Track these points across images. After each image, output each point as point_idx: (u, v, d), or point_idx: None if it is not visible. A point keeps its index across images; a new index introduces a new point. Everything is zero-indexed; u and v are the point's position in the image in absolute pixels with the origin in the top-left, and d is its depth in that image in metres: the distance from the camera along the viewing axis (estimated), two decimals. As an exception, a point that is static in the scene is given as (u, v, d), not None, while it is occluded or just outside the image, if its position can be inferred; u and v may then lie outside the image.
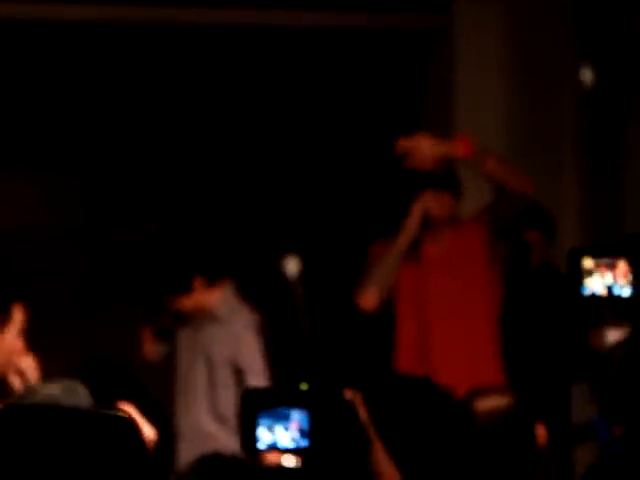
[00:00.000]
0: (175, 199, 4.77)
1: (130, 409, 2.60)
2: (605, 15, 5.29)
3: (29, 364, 2.72)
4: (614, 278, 3.25)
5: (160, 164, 5.12)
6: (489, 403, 2.52)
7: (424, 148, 3.56)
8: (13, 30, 4.84)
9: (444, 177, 3.63)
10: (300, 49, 5.33)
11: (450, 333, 3.65)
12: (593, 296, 3.28)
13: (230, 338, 3.51)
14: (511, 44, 5.30)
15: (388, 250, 3.60)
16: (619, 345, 3.35)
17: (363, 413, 2.25)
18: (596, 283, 3.27)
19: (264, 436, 2.20)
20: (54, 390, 2.36)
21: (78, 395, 2.37)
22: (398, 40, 5.39)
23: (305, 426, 2.20)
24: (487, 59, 5.28)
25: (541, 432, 2.65)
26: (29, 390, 2.51)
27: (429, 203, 3.58)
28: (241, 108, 5.12)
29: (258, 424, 2.21)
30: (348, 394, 2.29)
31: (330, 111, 5.32)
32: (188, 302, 3.53)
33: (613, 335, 3.55)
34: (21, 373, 2.70)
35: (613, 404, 2.57)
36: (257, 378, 3.43)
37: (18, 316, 2.69)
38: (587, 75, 5.14)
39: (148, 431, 2.63)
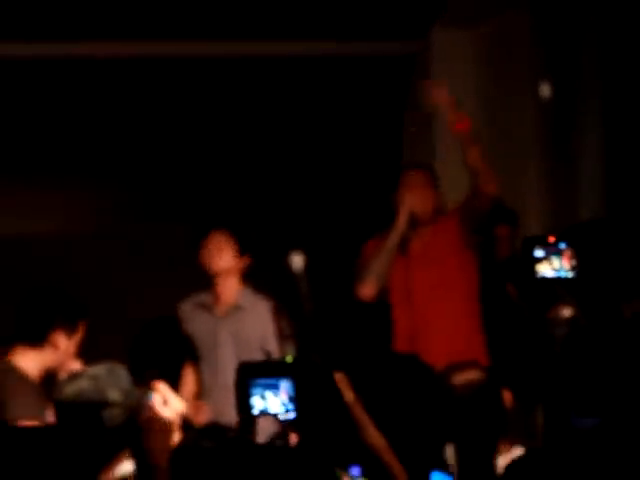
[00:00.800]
0: (199, 203, 4.92)
1: (163, 386, 2.79)
2: (559, 37, 5.31)
3: (77, 366, 3.10)
4: (561, 263, 3.50)
5: (183, 173, 5.30)
6: (463, 377, 2.69)
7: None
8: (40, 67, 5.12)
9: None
10: (288, 77, 5.55)
11: (433, 316, 3.91)
12: (544, 279, 3.55)
13: (257, 323, 3.70)
14: (481, 64, 5.65)
15: (381, 247, 3.83)
16: (563, 323, 3.57)
17: (348, 392, 2.37)
18: (546, 267, 3.53)
19: (257, 403, 2.35)
20: (99, 371, 2.48)
21: (118, 375, 2.49)
22: (381, 65, 5.66)
23: (292, 393, 2.35)
24: (460, 78, 5.44)
25: (507, 397, 2.83)
26: (75, 374, 2.57)
27: (413, 202, 3.83)
28: (246, 125, 5.39)
29: (251, 393, 2.35)
30: (336, 376, 2.40)
31: (322, 134, 5.50)
32: (224, 264, 3.65)
33: (566, 314, 3.79)
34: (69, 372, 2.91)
35: (558, 378, 2.67)
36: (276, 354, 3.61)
37: (82, 330, 3.22)
38: (545, 89, 5.24)
39: (177, 404, 2.88)
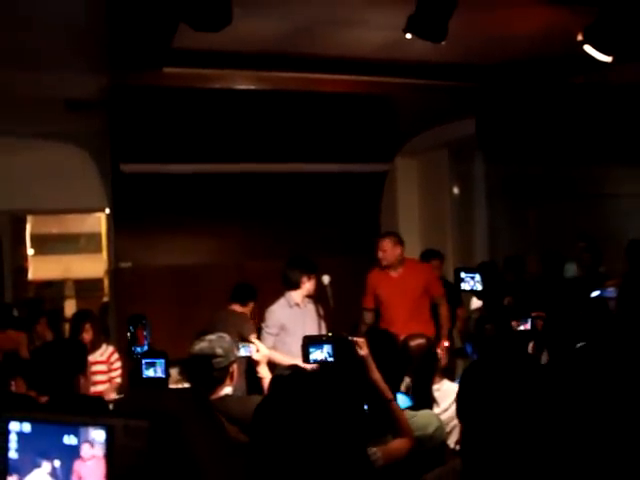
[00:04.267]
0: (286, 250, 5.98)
1: (256, 341, 4.06)
2: (462, 162, 6.82)
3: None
4: (474, 282, 4.72)
5: (274, 224, 7.24)
6: (416, 342, 3.47)
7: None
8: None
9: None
10: (304, 187, 7.40)
11: (404, 312, 5.29)
12: (464, 290, 4.84)
13: (317, 312, 5.11)
14: (421, 177, 7.78)
15: None
16: (475, 311, 4.71)
17: (366, 350, 2.76)
18: (466, 284, 4.75)
19: (312, 355, 2.93)
20: (212, 337, 3.17)
21: (223, 340, 3.17)
22: (364, 179, 7.58)
23: (331, 351, 2.89)
24: (412, 184, 7.34)
25: (442, 353, 4.15)
26: (200, 337, 3.20)
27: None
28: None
29: (310, 350, 2.91)
30: (359, 341, 2.76)
31: (329, 222, 7.52)
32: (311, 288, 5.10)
33: (475, 305, 5.11)
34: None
35: (473, 340, 3.68)
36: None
37: (250, 305, 5.30)
38: (455, 189, 7.04)
39: (264, 351, 3.96)
